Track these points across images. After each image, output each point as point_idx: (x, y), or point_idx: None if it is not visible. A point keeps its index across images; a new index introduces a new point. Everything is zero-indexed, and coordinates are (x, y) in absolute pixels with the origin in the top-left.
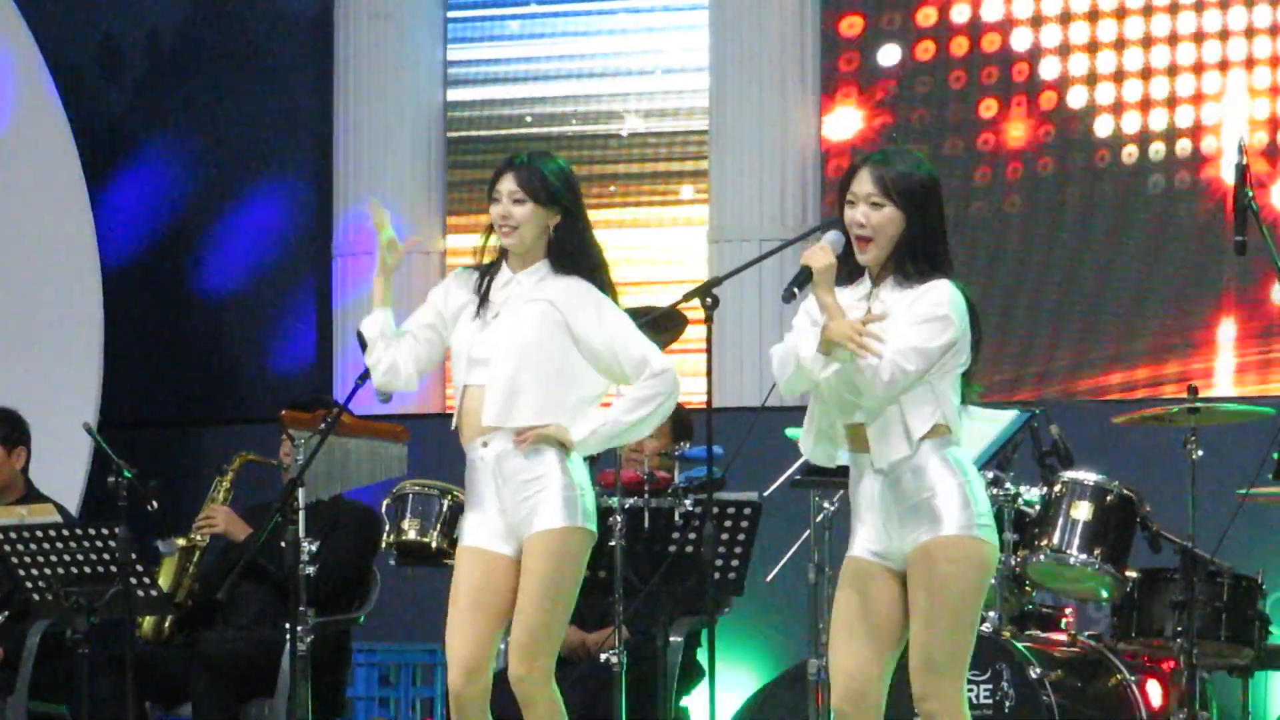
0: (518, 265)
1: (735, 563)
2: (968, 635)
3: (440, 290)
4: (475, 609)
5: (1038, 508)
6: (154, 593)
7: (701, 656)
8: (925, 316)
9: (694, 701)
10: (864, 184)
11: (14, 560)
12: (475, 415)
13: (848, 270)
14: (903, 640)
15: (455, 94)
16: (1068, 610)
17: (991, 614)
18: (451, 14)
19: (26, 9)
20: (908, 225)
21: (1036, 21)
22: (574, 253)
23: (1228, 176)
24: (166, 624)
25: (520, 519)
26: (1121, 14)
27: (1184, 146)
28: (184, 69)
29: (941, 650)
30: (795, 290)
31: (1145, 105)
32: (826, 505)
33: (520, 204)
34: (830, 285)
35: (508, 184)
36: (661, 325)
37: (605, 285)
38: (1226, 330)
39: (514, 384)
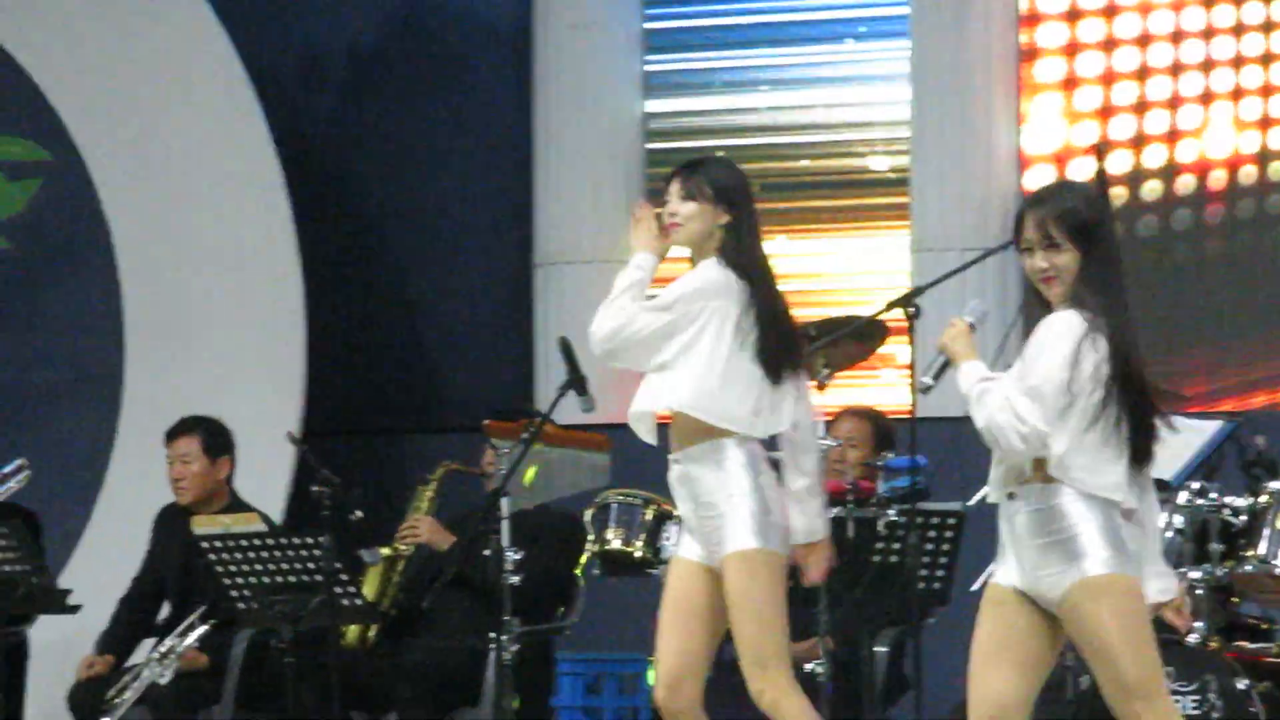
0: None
1: (940, 573)
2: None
3: None
4: (678, 620)
5: (1244, 518)
6: (358, 602)
7: (907, 667)
8: None
9: (899, 712)
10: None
11: (219, 569)
12: (675, 430)
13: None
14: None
15: (654, 104)
16: (1277, 621)
17: (1199, 624)
18: (650, 24)
19: (228, 20)
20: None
21: (1238, 30)
22: (742, 253)
23: None
24: (371, 633)
25: (709, 535)
26: None
27: None
28: (384, 79)
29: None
30: (931, 382)
31: None
32: None
33: (686, 201)
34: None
35: (675, 184)
36: (863, 335)
37: (767, 292)
38: None
39: None
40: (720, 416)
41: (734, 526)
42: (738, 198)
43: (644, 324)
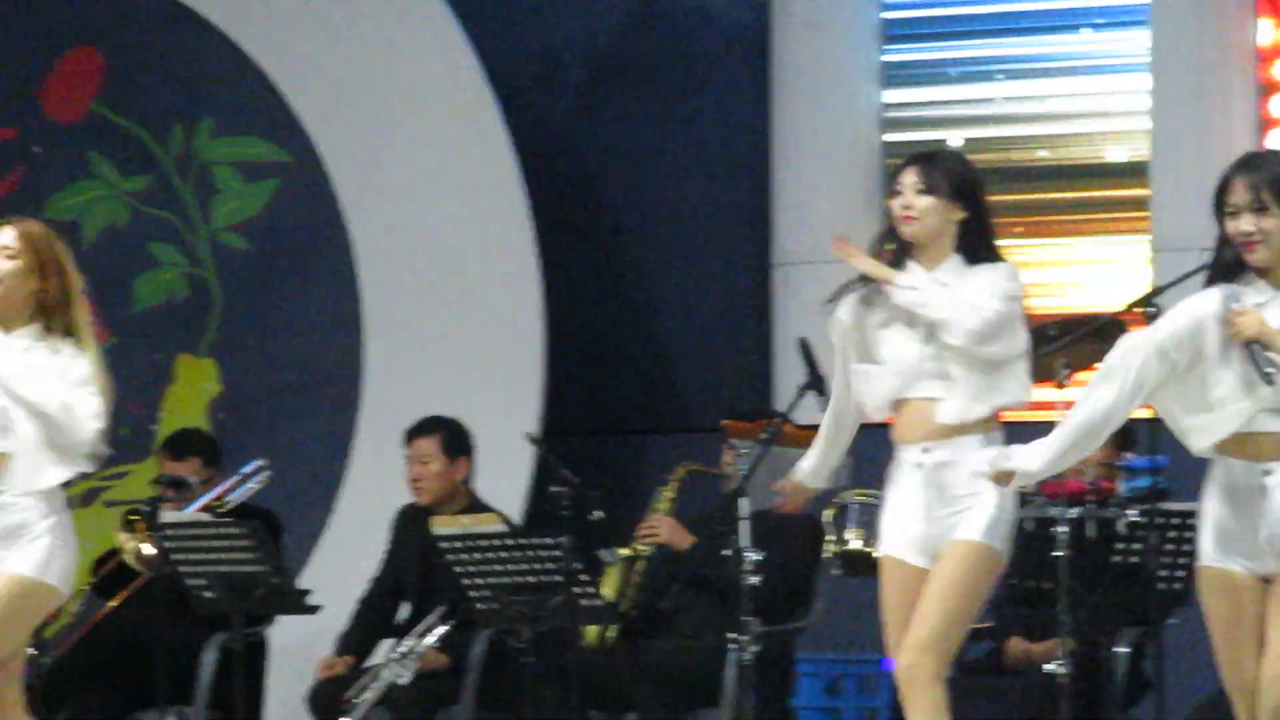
0: (928, 264)
1: (1180, 573)
2: None
3: (839, 335)
4: (899, 623)
5: None
6: (597, 602)
7: (1148, 668)
8: None
9: (1140, 713)
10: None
11: (459, 569)
12: (924, 422)
13: None
14: None
15: (892, 95)
16: None
17: None
18: (887, 14)
19: (467, 22)
20: None
21: None
22: (986, 246)
23: None
24: (610, 633)
25: (943, 531)
26: None
27: None
28: (622, 80)
29: None
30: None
31: None
32: None
33: (923, 195)
34: None
35: (910, 177)
36: (1104, 334)
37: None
38: None
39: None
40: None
41: (972, 518)
42: (974, 192)
43: (1002, 310)
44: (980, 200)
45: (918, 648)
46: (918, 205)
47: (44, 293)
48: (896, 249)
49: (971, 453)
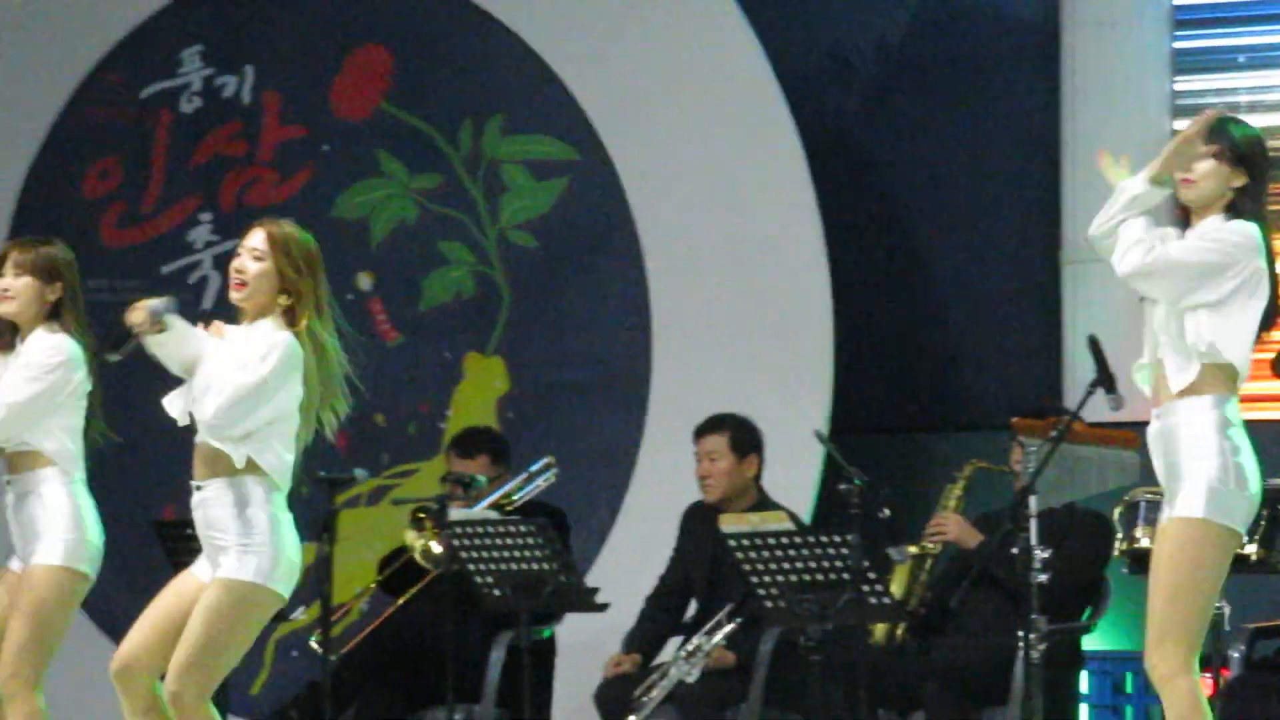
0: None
1: None
2: None
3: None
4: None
5: None
6: (886, 600)
7: None
8: None
9: None
10: None
11: (747, 567)
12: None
13: None
14: None
15: (1182, 83)
16: None
17: None
18: (1178, 0)
19: (756, 19)
20: None
21: None
22: (1250, 217)
23: None
24: (898, 631)
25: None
26: None
27: None
28: (912, 78)
29: None
30: None
31: None
32: None
33: (1203, 160)
34: None
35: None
36: None
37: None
38: None
39: None
40: (1239, 379)
41: (1187, 491)
42: (1257, 162)
43: (1188, 251)
44: (1262, 170)
45: (1154, 644)
46: (1198, 169)
47: (289, 294)
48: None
49: (1191, 420)
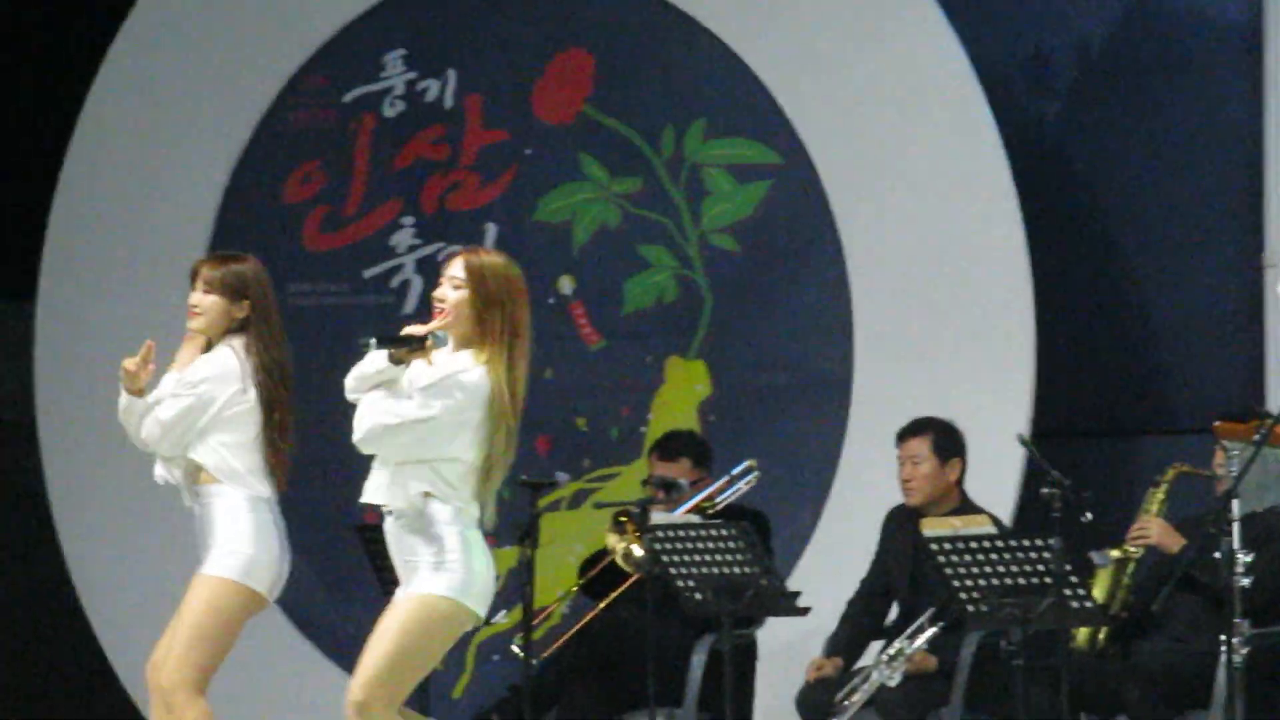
0: None
1: None
2: None
3: None
4: None
5: None
6: (1088, 604)
7: None
8: None
9: None
10: None
11: (948, 571)
12: None
13: None
14: None
15: None
16: None
17: None
18: None
19: (957, 21)
20: None
21: None
22: None
23: None
24: (1101, 635)
25: None
26: None
27: None
28: (1113, 79)
29: None
30: None
31: None
32: None
33: None
34: None
35: None
36: None
37: None
38: None
39: None
40: None
41: None
42: None
43: None
44: None
45: None
46: None
47: (485, 323)
48: None
49: None
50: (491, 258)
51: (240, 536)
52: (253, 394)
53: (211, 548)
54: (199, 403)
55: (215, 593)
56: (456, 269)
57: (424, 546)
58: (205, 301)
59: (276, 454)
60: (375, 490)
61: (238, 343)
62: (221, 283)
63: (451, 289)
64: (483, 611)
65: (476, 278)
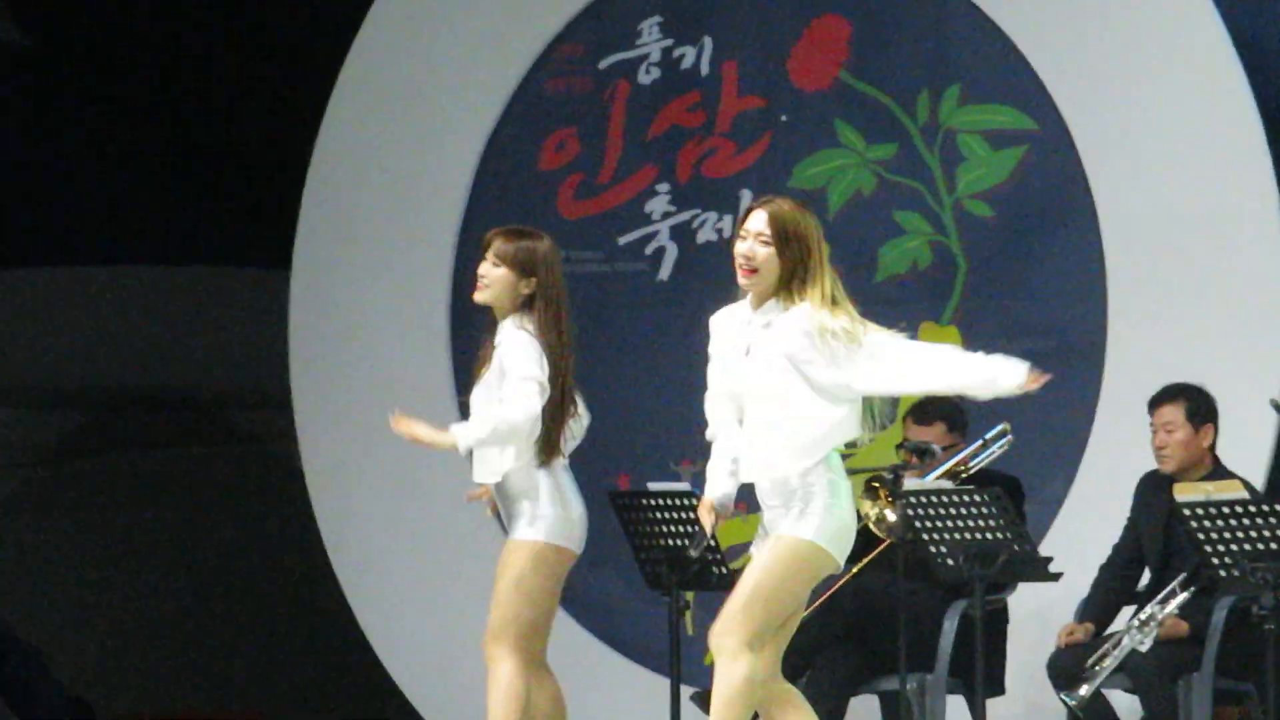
0: None
1: None
2: None
3: None
4: None
5: None
6: None
7: None
8: None
9: None
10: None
11: (1200, 536)
12: None
13: None
14: None
15: None
16: None
17: None
18: None
19: None
20: None
21: None
22: None
23: None
24: None
25: None
26: None
27: None
28: None
29: None
30: None
31: None
32: None
33: None
34: None
35: None
36: None
37: None
38: None
39: None
40: None
41: None
42: None
43: None
44: None
45: None
46: None
47: (787, 266)
48: None
49: None
50: (790, 204)
51: (550, 498)
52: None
53: (517, 515)
54: (542, 389)
55: (529, 555)
56: (759, 222)
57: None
58: (494, 274)
59: (559, 425)
60: None
61: (530, 323)
62: (512, 257)
63: (760, 244)
64: (840, 555)
65: (779, 225)
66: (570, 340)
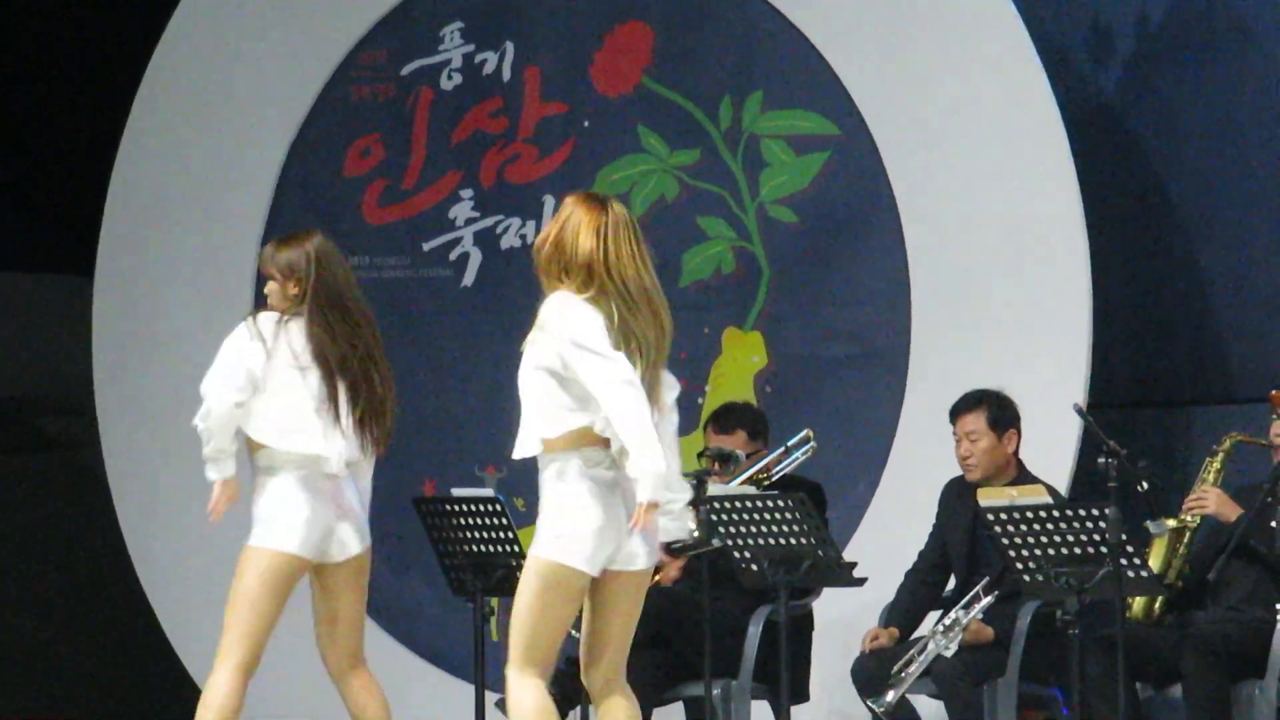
0: None
1: None
2: None
3: None
4: None
5: None
6: (1144, 574)
7: None
8: None
9: None
10: None
11: (1005, 541)
12: None
13: None
14: None
15: None
16: None
17: None
18: None
19: None
20: None
21: None
22: None
23: None
24: (1157, 605)
25: None
26: None
27: None
28: (1171, 51)
29: None
30: None
31: None
32: None
33: None
34: None
35: None
36: None
37: None
38: None
39: None
40: None
41: None
42: None
43: None
44: None
45: None
46: None
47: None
48: None
49: None
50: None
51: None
52: None
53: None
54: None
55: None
56: None
57: None
58: (271, 287)
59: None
60: None
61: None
62: (279, 266)
63: None
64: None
65: None
66: (350, 330)
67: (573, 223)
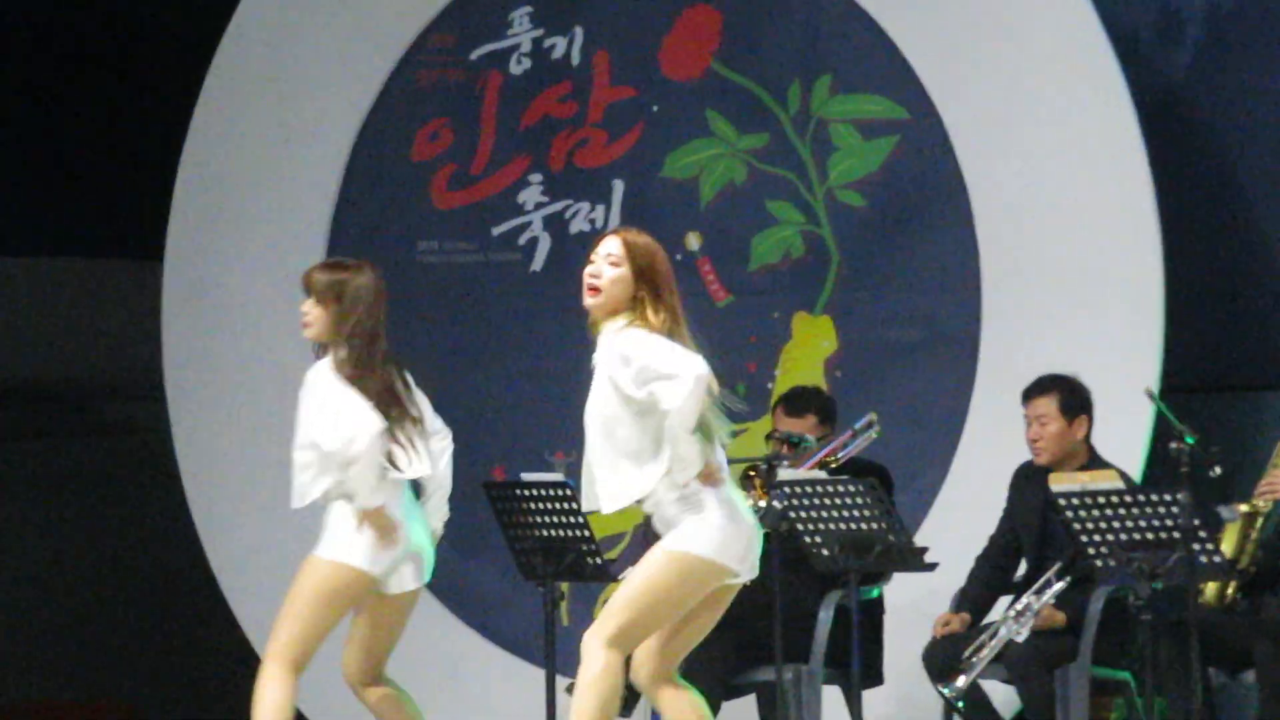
0: None
1: None
2: None
3: None
4: None
5: None
6: (1216, 559)
7: None
8: None
9: None
10: None
11: (1076, 526)
12: None
13: None
14: None
15: None
16: None
17: None
18: None
19: None
20: None
21: None
22: None
23: None
24: (1229, 590)
25: None
26: None
27: None
28: (1243, 34)
29: None
30: None
31: None
32: None
33: None
34: None
35: None
36: None
37: None
38: None
39: None
40: None
41: None
42: None
43: None
44: None
45: None
46: None
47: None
48: None
49: None
50: (643, 236)
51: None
52: None
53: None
54: None
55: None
56: (612, 246)
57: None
58: (314, 311)
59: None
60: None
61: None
62: (325, 289)
63: (609, 265)
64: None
65: (631, 253)
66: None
67: None
